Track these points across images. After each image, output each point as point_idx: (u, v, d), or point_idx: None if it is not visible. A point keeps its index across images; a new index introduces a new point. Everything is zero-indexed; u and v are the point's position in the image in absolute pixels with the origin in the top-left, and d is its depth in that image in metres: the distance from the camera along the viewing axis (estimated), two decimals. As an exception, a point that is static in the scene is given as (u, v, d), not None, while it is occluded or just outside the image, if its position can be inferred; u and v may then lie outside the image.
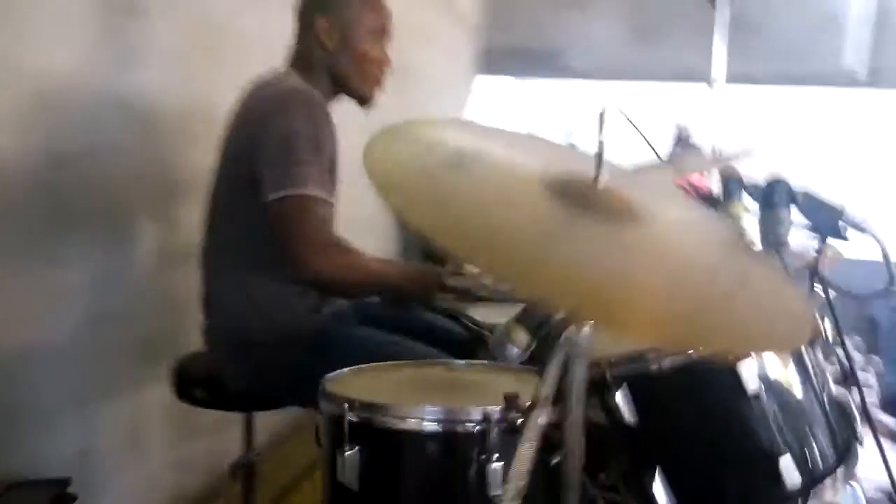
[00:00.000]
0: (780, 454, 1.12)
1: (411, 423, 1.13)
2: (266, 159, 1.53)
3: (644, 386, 1.16)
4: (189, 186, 2.15)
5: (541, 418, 0.96)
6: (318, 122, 1.56)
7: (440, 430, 1.14)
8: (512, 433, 1.12)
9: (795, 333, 0.88)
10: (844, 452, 1.18)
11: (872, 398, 1.34)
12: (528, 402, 1.13)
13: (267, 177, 1.52)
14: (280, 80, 1.67)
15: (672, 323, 0.83)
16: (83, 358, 1.77)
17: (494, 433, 1.12)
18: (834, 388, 1.22)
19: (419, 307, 1.87)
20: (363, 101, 1.75)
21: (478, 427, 1.12)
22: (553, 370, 0.96)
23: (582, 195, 0.97)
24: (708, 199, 4.69)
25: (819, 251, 1.30)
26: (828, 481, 1.14)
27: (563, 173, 1.00)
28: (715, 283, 0.92)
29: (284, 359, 1.60)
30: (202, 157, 2.16)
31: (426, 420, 1.14)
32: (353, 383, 1.33)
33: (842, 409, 1.20)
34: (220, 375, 1.66)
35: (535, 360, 1.14)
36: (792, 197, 1.29)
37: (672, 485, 1.16)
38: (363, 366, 1.41)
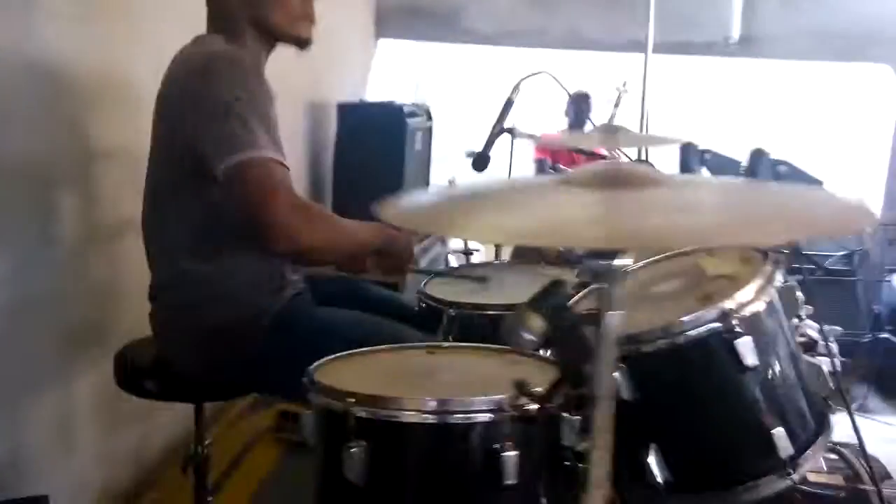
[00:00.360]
0: (774, 426, 1.18)
1: (420, 416, 1.09)
2: (206, 131, 1.40)
3: (641, 364, 1.18)
4: (110, 158, 1.97)
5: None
6: (249, 83, 1.44)
7: (450, 421, 1.10)
8: (523, 421, 1.12)
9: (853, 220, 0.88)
10: (822, 421, 1.26)
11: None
12: (539, 389, 1.14)
13: (211, 149, 1.40)
14: (202, 47, 1.53)
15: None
16: (5, 349, 1.59)
17: (507, 422, 1.10)
18: (806, 359, 1.29)
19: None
20: (301, 42, 1.62)
21: (489, 416, 1.10)
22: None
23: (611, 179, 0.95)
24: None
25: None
26: (811, 450, 1.22)
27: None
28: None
29: (245, 345, 1.50)
30: (121, 126, 1.99)
31: (435, 412, 1.10)
32: (342, 374, 1.27)
33: (815, 380, 1.27)
34: (172, 364, 1.54)
35: (551, 346, 1.14)
36: (775, 169, 1.34)
37: (667, 459, 1.21)
38: (344, 353, 1.35)
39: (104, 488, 1.97)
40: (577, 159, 4.76)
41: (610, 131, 1.90)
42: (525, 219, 0.91)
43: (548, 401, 1.12)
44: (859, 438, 1.35)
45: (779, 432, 1.18)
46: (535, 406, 1.11)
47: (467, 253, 2.84)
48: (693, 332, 1.17)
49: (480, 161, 2.14)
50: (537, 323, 1.08)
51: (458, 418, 1.09)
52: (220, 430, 2.38)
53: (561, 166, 4.66)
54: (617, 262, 0.89)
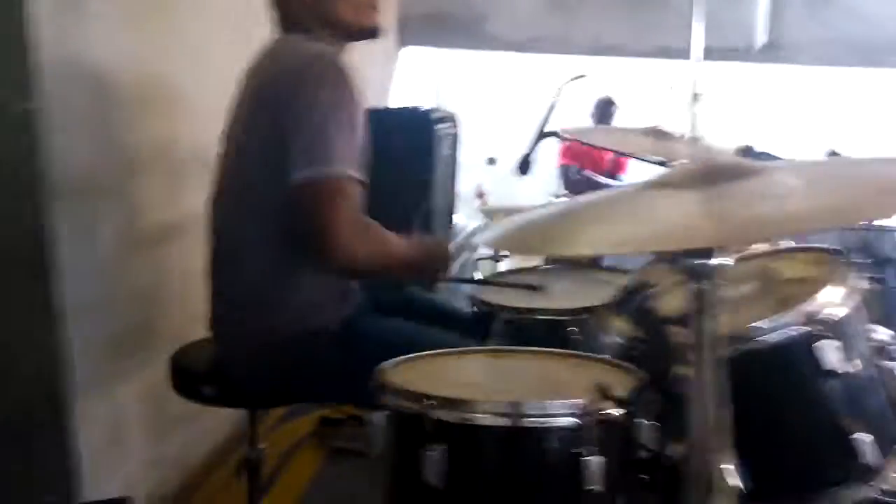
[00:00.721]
0: (856, 431, 1.15)
1: (501, 419, 1.07)
2: (294, 134, 1.39)
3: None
4: (151, 163, 1.96)
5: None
6: (348, 91, 1.43)
7: (531, 424, 1.08)
8: (605, 425, 1.10)
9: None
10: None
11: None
12: (621, 393, 1.12)
13: (293, 154, 1.39)
14: (296, 47, 1.52)
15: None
16: (57, 355, 1.57)
17: (589, 426, 1.08)
18: (884, 364, 1.27)
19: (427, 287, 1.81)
20: (373, 33, 1.63)
21: (571, 420, 1.08)
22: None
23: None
24: (607, 174, 4.82)
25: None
26: (893, 458, 1.19)
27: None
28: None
29: (310, 353, 1.49)
30: (161, 131, 1.99)
31: (517, 415, 1.08)
32: (413, 377, 1.26)
33: (894, 385, 1.25)
34: (231, 370, 1.53)
35: (634, 348, 1.12)
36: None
37: (745, 466, 1.18)
38: (408, 357, 1.34)
39: (151, 494, 1.95)
40: (604, 162, 4.77)
41: (660, 135, 1.89)
42: (633, 227, 0.90)
43: (630, 405, 1.10)
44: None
45: (862, 437, 1.15)
46: (617, 410, 1.10)
47: (496, 259, 2.83)
48: (776, 336, 1.15)
49: (524, 165, 2.13)
50: (619, 325, 1.07)
51: (538, 421, 1.07)
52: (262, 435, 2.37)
53: (587, 171, 4.68)
54: (715, 260, 0.88)
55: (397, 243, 1.56)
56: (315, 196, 1.38)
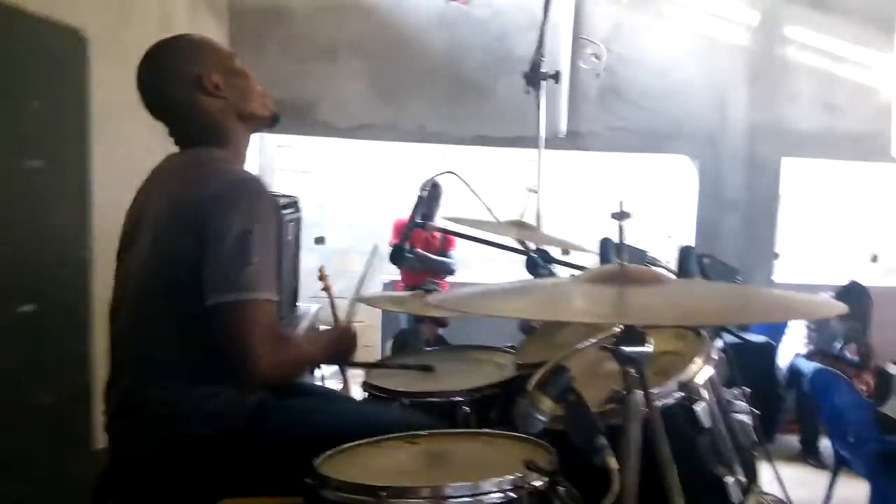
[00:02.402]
0: (725, 475, 1.40)
1: (455, 502, 1.18)
2: (212, 257, 1.42)
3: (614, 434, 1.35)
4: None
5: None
6: (268, 215, 1.48)
7: (489, 501, 1.19)
8: (535, 496, 1.24)
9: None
10: (754, 469, 1.50)
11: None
12: (546, 466, 1.27)
13: (210, 277, 1.42)
14: (213, 168, 1.54)
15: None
16: None
17: (525, 498, 1.22)
18: (734, 416, 1.54)
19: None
20: (275, 119, 1.70)
21: (511, 495, 1.21)
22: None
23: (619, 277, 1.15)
24: (439, 252, 5.14)
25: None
26: (752, 494, 1.45)
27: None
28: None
29: (225, 451, 1.48)
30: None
31: (459, 497, 1.19)
32: (347, 469, 1.32)
33: (743, 434, 1.53)
34: (143, 481, 1.48)
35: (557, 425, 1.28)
36: (700, 261, 1.61)
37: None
38: (336, 450, 1.40)
39: None
40: (435, 240, 5.04)
41: (522, 227, 2.14)
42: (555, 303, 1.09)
43: (555, 475, 1.26)
44: (780, 482, 1.62)
45: (730, 481, 1.40)
46: (543, 481, 1.24)
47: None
48: (661, 403, 1.37)
49: (397, 254, 2.27)
50: (547, 404, 1.23)
51: (489, 499, 1.19)
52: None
53: (419, 250, 4.91)
54: (643, 349, 1.07)
55: (308, 346, 1.65)
56: (230, 321, 1.42)
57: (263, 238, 1.45)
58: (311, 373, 1.79)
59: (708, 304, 1.07)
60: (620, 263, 1.08)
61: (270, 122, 1.69)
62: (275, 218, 1.50)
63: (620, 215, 1.09)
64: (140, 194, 1.63)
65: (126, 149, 2.24)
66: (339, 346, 1.72)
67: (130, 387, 1.51)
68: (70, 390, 1.82)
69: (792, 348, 4.45)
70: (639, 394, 1.08)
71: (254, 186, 1.50)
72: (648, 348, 1.06)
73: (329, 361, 1.75)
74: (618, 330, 1.41)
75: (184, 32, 1.71)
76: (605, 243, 1.66)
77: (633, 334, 1.06)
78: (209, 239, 1.43)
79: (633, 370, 1.07)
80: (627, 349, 1.05)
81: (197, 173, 1.53)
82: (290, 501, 1.42)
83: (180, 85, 1.58)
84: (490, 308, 1.21)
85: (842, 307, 1.06)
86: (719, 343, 1.60)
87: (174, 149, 1.65)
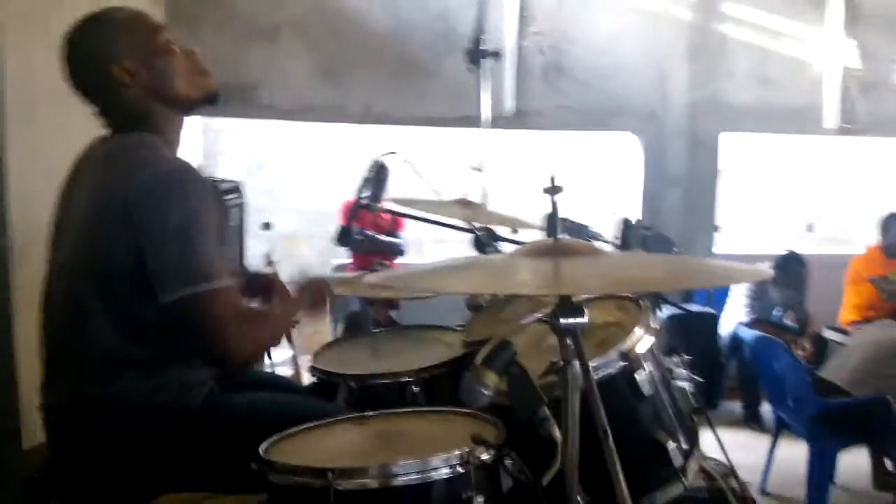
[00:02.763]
0: (666, 441, 1.44)
1: (404, 479, 1.19)
2: (157, 254, 1.39)
3: (557, 407, 1.38)
4: None
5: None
6: (201, 199, 1.44)
7: (422, 480, 1.21)
8: (483, 468, 1.26)
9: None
10: (695, 434, 1.55)
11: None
12: (492, 439, 1.29)
13: (162, 275, 1.39)
14: (142, 152, 1.48)
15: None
16: None
17: (472, 472, 1.24)
18: (675, 384, 1.59)
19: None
20: (211, 98, 1.61)
21: (459, 470, 1.23)
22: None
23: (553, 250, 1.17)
24: (387, 233, 5.12)
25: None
26: (692, 459, 1.50)
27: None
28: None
29: (169, 445, 1.46)
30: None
31: (407, 474, 1.20)
32: (296, 453, 1.32)
33: (684, 401, 1.57)
34: (86, 475, 1.45)
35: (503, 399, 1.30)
36: (642, 233, 1.64)
37: (584, 484, 1.40)
38: (282, 434, 1.39)
39: None
40: (383, 223, 5.02)
41: (468, 206, 2.15)
42: (495, 276, 1.12)
43: (502, 448, 1.28)
44: (721, 447, 1.67)
45: (671, 446, 1.44)
46: (490, 455, 1.26)
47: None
48: (603, 373, 1.40)
49: (343, 235, 2.25)
50: (492, 379, 1.25)
51: (438, 474, 1.21)
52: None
53: (368, 231, 4.89)
54: (580, 320, 1.09)
55: (277, 314, 1.65)
56: (193, 314, 1.40)
57: (204, 226, 1.41)
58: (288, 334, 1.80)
59: (639, 273, 1.09)
60: (555, 237, 1.10)
61: (205, 101, 1.60)
62: (212, 202, 1.46)
63: (552, 190, 1.10)
64: (67, 182, 1.58)
65: (49, 134, 2.16)
66: (313, 301, 1.74)
67: (69, 381, 1.47)
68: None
69: (733, 317, 4.59)
70: (576, 364, 1.10)
71: (184, 175, 1.45)
72: (584, 319, 1.08)
73: (306, 310, 1.77)
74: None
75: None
76: (626, 224, 1.67)
77: (570, 306, 1.08)
78: (147, 235, 1.39)
79: (570, 341, 1.09)
80: (564, 320, 1.07)
81: (122, 162, 1.47)
82: (232, 499, 1.43)
83: (96, 71, 1.51)
84: (428, 285, 1.22)
85: (763, 272, 1.10)
86: (661, 314, 1.64)
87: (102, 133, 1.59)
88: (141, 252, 1.39)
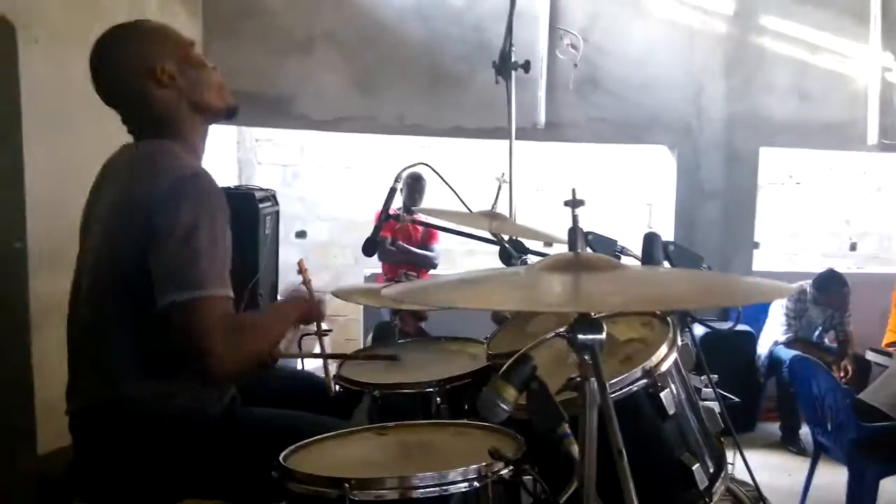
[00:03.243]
0: (692, 463, 1.40)
1: (420, 492, 1.18)
2: (160, 256, 1.40)
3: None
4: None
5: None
6: (215, 209, 1.45)
7: (439, 493, 1.20)
8: (501, 483, 1.24)
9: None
10: (721, 456, 1.51)
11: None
12: (511, 454, 1.27)
13: (160, 278, 1.40)
14: (163, 159, 1.51)
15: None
16: None
17: (490, 486, 1.22)
18: (701, 403, 1.55)
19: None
20: (232, 112, 1.67)
21: (476, 484, 1.21)
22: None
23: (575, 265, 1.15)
24: (421, 245, 5.11)
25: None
26: (719, 481, 1.46)
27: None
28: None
29: (188, 453, 1.47)
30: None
31: (425, 486, 1.19)
32: (313, 462, 1.32)
33: (710, 421, 1.53)
34: (101, 480, 1.47)
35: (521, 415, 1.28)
36: (666, 248, 1.61)
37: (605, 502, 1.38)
38: (299, 444, 1.39)
39: None
40: (416, 234, 5.03)
41: (495, 217, 2.14)
42: (518, 292, 1.10)
43: (520, 463, 1.26)
44: (749, 470, 1.62)
45: (697, 468, 1.40)
46: (509, 470, 1.25)
47: (322, 334, 2.91)
48: (625, 391, 1.37)
49: (369, 246, 2.25)
50: (511, 394, 1.23)
51: (455, 488, 1.19)
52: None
53: (401, 243, 4.90)
54: (598, 336, 1.07)
55: (273, 323, 1.63)
56: (183, 322, 1.39)
57: (211, 234, 1.42)
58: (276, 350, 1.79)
59: (660, 290, 1.07)
60: (576, 251, 1.08)
61: (227, 115, 1.66)
62: (222, 212, 1.47)
63: (574, 203, 1.08)
64: (93, 188, 1.61)
65: (69, 140, 2.18)
66: (302, 315, 1.73)
67: (92, 386, 1.50)
68: (8, 390, 1.74)
69: (771, 336, 4.49)
70: (594, 381, 1.08)
71: (198, 182, 1.46)
72: (602, 335, 1.06)
73: (298, 322, 1.77)
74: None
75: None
76: (651, 238, 1.64)
77: (589, 321, 1.05)
78: (156, 238, 1.40)
79: (588, 357, 1.07)
80: (582, 336, 1.05)
81: (146, 169, 1.50)
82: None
83: (132, 74, 1.55)
84: (440, 299, 1.20)
85: (788, 289, 1.07)
86: (695, 332, 1.60)
87: (121, 139, 1.62)
88: (151, 255, 1.41)
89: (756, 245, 5.47)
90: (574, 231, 1.09)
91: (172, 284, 1.39)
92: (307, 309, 1.77)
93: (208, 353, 1.40)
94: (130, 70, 1.55)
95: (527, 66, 2.59)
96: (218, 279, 1.43)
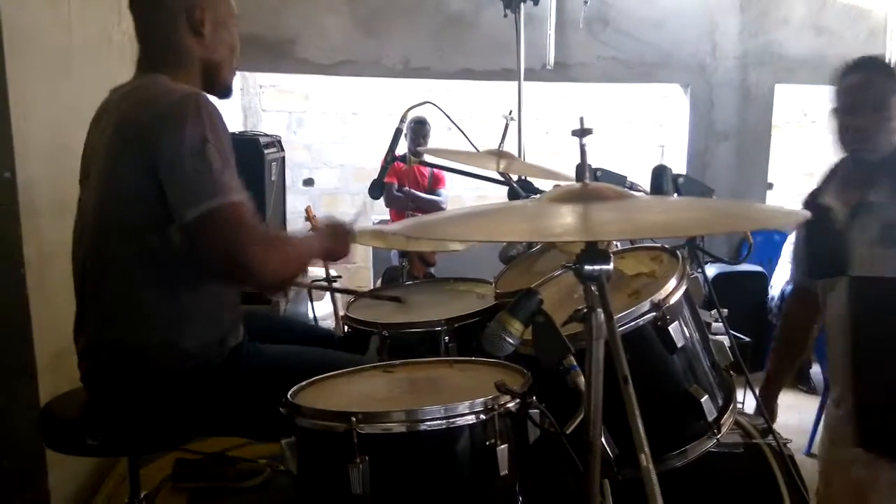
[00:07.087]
0: (700, 395, 1.40)
1: (425, 425, 1.18)
2: (174, 176, 1.38)
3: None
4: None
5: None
6: (217, 124, 1.43)
7: (446, 426, 1.20)
8: (507, 416, 1.25)
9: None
10: (730, 388, 1.51)
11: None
12: (517, 388, 1.27)
13: (179, 195, 1.38)
14: (160, 89, 1.48)
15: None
16: None
17: (496, 419, 1.22)
18: (711, 337, 1.54)
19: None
20: (227, 91, 1.65)
21: (482, 417, 1.21)
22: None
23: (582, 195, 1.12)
24: (428, 190, 5.04)
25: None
26: (727, 413, 1.46)
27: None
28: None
29: (198, 391, 1.48)
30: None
31: (431, 419, 1.19)
32: (322, 399, 1.32)
33: (720, 354, 1.52)
34: (110, 417, 1.49)
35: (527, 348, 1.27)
36: (675, 181, 1.58)
37: (615, 436, 1.38)
38: (309, 381, 1.40)
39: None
40: (423, 179, 5.00)
41: (502, 156, 2.10)
42: (526, 224, 1.09)
43: (527, 397, 1.26)
44: (759, 403, 1.62)
45: (705, 400, 1.40)
46: (515, 403, 1.25)
47: (331, 280, 2.91)
48: (632, 324, 1.36)
49: (375, 188, 2.23)
50: (517, 327, 1.22)
51: (462, 421, 1.19)
52: (114, 484, 2.26)
53: (407, 188, 4.87)
54: (605, 266, 1.05)
55: (302, 242, 1.59)
56: (217, 229, 1.38)
57: (219, 146, 1.40)
58: (305, 273, 1.74)
59: (668, 217, 1.04)
60: (584, 182, 1.06)
61: (221, 91, 1.64)
62: (226, 132, 1.45)
63: (581, 132, 1.05)
64: (91, 128, 1.59)
65: (55, 87, 2.11)
66: (334, 242, 1.68)
67: (99, 325, 1.50)
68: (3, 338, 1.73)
69: (784, 277, 4.45)
70: (601, 312, 1.07)
71: (200, 99, 1.43)
72: (609, 266, 1.04)
73: (330, 258, 1.73)
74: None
75: None
76: (660, 171, 1.60)
77: (596, 252, 1.03)
78: (166, 159, 1.38)
79: (594, 288, 1.05)
80: (589, 266, 1.03)
81: (140, 98, 1.48)
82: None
83: (170, 4, 1.54)
84: (450, 232, 1.19)
85: (801, 215, 1.04)
86: (707, 271, 1.58)
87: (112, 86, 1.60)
88: (159, 179, 1.39)
89: (770, 186, 5.39)
90: (582, 161, 1.06)
91: (194, 197, 1.37)
92: (334, 243, 1.71)
93: (243, 257, 1.38)
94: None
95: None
96: (238, 187, 1.42)
